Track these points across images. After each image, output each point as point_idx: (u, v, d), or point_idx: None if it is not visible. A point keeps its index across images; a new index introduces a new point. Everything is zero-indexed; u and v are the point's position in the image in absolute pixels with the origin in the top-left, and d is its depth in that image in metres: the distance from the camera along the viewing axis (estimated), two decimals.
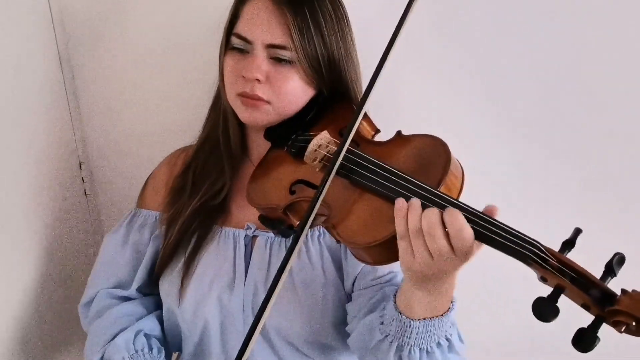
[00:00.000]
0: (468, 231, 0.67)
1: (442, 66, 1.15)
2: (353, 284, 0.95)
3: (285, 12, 0.89)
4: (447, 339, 0.81)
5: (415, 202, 0.71)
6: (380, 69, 0.81)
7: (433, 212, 0.69)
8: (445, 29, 1.13)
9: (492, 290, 1.20)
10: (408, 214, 0.70)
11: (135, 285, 1.04)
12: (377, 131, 0.94)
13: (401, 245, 0.71)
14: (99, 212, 1.35)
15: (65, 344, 1.23)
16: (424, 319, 0.78)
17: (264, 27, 0.90)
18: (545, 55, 1.11)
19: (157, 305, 1.07)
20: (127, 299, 1.05)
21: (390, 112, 1.00)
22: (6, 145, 1.05)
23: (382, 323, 0.84)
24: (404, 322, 0.79)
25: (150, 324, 1.03)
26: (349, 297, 0.97)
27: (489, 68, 1.14)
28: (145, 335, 1.00)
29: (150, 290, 1.06)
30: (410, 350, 0.80)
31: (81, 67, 1.24)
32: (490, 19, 1.12)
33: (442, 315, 0.79)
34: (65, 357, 1.24)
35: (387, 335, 0.82)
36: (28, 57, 1.12)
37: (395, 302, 0.81)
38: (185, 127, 1.16)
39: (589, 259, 0.65)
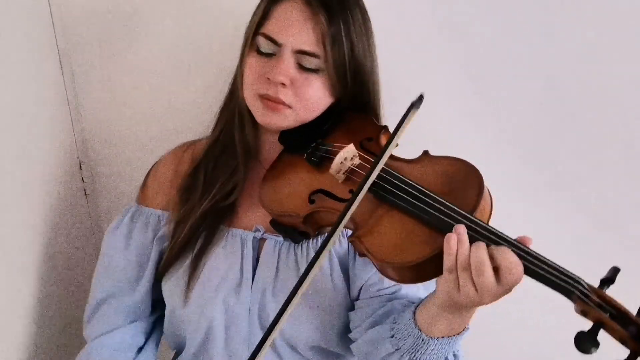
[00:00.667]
0: (520, 269, 0.68)
1: (442, 67, 1.16)
2: (359, 292, 0.95)
3: (321, 19, 0.87)
4: (455, 355, 0.82)
5: (463, 233, 0.70)
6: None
7: (481, 248, 0.69)
8: (444, 30, 1.14)
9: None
10: (458, 249, 0.70)
11: (142, 289, 1.03)
12: (396, 145, 0.93)
13: (448, 278, 0.71)
14: (99, 212, 1.35)
15: (68, 344, 1.23)
16: (442, 337, 0.79)
17: (296, 31, 0.88)
18: (545, 57, 1.12)
19: (156, 322, 1.07)
20: (133, 309, 1.04)
21: (390, 113, 1.01)
22: (6, 145, 1.04)
23: (392, 336, 0.84)
24: (422, 339, 0.79)
25: (147, 358, 1.03)
26: (353, 305, 0.97)
27: (488, 70, 1.15)
28: None
29: (156, 291, 1.04)
30: None
31: (81, 67, 1.24)
32: (488, 21, 1.12)
33: (458, 334, 0.79)
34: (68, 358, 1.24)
35: (398, 349, 0.83)
36: (28, 57, 1.12)
37: (415, 319, 0.81)
38: (186, 127, 1.17)
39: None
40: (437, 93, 1.15)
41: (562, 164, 1.17)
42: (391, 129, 0.93)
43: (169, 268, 0.99)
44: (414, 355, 0.80)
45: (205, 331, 0.97)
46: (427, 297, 0.83)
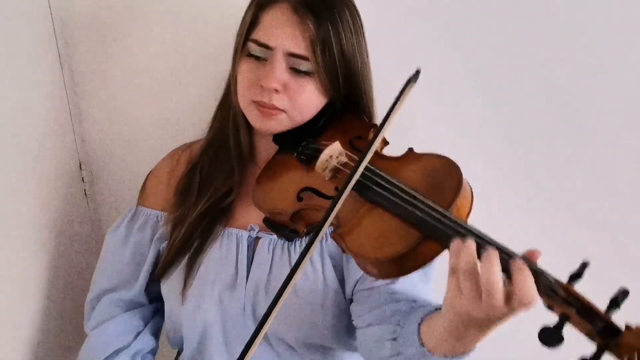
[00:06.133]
0: (536, 299, 0.62)
1: (442, 69, 1.15)
2: (353, 289, 0.95)
3: (308, 23, 0.88)
4: None
5: (471, 244, 0.65)
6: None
7: (495, 256, 0.63)
8: (446, 33, 1.13)
9: None
10: (461, 253, 0.65)
11: (138, 286, 1.05)
12: (386, 143, 0.94)
13: (450, 281, 0.67)
14: (99, 212, 1.35)
15: (69, 340, 1.23)
16: (445, 356, 0.76)
17: (286, 35, 0.89)
18: (545, 58, 1.11)
19: (155, 312, 1.09)
20: (131, 302, 1.06)
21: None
22: (6, 145, 1.05)
23: (394, 339, 0.83)
24: (424, 354, 0.77)
25: (146, 341, 1.04)
26: (349, 302, 0.96)
27: (489, 72, 1.14)
28: (142, 356, 1.02)
29: (153, 289, 1.06)
30: None
31: (81, 67, 1.24)
32: (489, 23, 1.12)
33: (461, 355, 0.76)
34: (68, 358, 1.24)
35: (399, 354, 0.81)
36: (28, 57, 1.12)
37: (419, 332, 0.79)
38: (186, 127, 1.16)
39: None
40: (435, 94, 1.16)
41: (561, 166, 1.17)
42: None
43: (167, 269, 1.01)
44: None
45: (202, 329, 0.99)
46: (433, 312, 0.80)
